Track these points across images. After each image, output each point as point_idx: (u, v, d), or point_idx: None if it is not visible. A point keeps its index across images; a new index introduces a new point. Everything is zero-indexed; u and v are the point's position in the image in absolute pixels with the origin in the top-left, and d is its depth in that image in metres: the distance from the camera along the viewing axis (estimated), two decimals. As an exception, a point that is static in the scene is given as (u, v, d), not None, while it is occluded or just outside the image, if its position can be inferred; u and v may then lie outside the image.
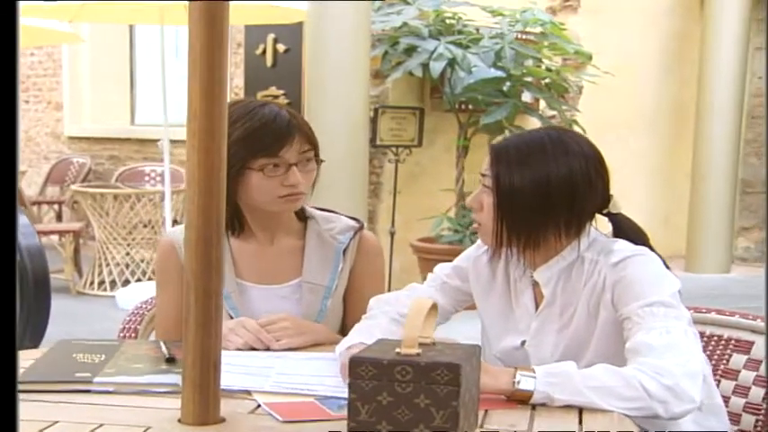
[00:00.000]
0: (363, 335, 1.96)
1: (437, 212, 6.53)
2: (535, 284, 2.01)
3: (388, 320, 2.07)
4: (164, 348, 1.92)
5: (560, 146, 1.92)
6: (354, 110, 5.70)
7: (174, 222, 7.19)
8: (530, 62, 6.68)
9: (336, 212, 2.38)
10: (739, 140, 8.33)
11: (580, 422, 1.60)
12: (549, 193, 1.88)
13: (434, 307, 1.51)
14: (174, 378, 1.74)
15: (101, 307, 6.63)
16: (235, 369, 1.82)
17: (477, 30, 6.54)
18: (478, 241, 2.16)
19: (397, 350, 1.43)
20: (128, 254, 7.33)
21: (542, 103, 7.16)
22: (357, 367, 1.42)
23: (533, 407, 1.65)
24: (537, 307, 2.01)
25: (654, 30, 8.61)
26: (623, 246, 1.92)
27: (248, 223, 2.25)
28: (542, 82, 6.75)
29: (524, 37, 6.73)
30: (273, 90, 8.03)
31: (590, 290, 1.91)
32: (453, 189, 6.73)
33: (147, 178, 8.32)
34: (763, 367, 2.15)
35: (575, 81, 7.08)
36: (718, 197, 8.19)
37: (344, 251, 2.27)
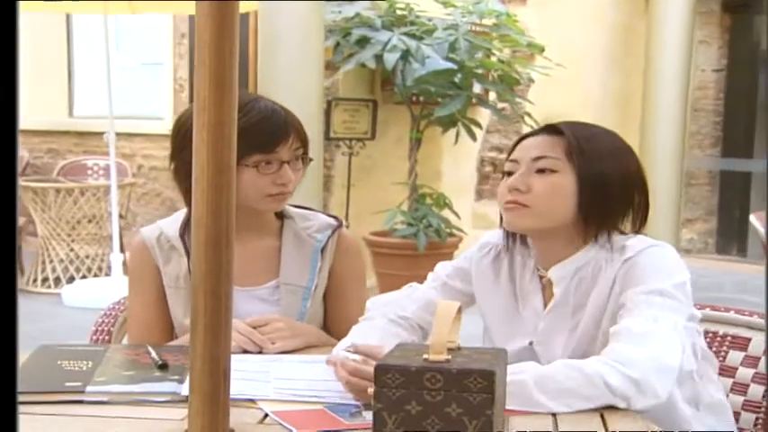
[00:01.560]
0: (362, 337, 1.88)
1: (389, 206, 6.46)
2: (545, 284, 1.95)
3: (387, 322, 1.99)
4: (153, 354, 1.82)
5: (624, 143, 1.92)
6: (308, 102, 5.59)
7: (120, 217, 7.01)
8: (479, 54, 6.63)
9: (313, 210, 2.30)
10: (684, 133, 8.38)
11: (604, 424, 1.54)
12: (626, 186, 1.88)
13: (460, 310, 1.43)
14: (171, 386, 1.65)
15: (46, 305, 6.44)
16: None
17: (431, 21, 6.47)
18: (479, 243, 2.08)
19: (425, 356, 1.35)
20: (72, 250, 7.13)
21: (492, 96, 7.11)
22: (383, 375, 1.34)
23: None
24: (545, 307, 1.94)
25: (600, 22, 8.62)
26: (637, 241, 1.86)
27: None
28: (494, 74, 6.70)
29: (476, 29, 6.68)
30: (220, 81, 7.88)
31: (602, 287, 1.85)
32: (405, 182, 6.65)
33: (89, 172, 8.10)
34: (761, 364, 2.12)
35: (524, 73, 7.04)
36: (664, 189, 8.22)
37: (323, 250, 2.19)
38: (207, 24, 1.39)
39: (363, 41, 6.24)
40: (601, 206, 1.85)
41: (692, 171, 8.78)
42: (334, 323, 2.18)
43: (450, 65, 6.36)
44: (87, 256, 7.17)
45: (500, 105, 7.02)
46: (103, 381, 1.66)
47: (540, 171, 1.86)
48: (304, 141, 2.10)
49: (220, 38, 1.40)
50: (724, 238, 9.02)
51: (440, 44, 6.15)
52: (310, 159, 2.14)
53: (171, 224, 2.18)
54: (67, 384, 1.63)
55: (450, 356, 1.35)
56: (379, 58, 6.13)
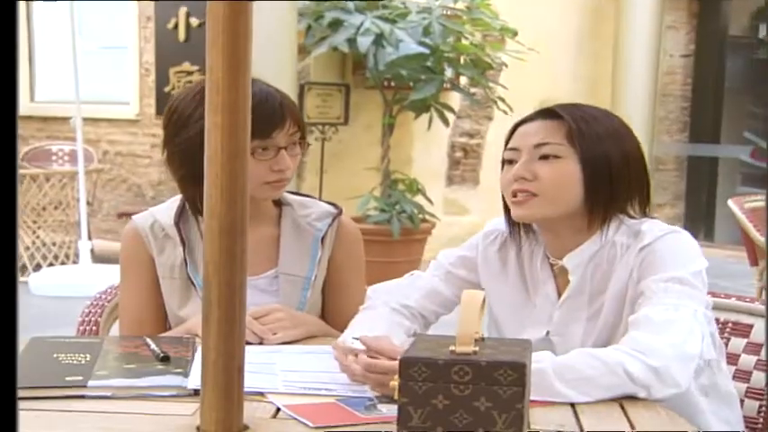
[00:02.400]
0: (365, 327, 1.83)
1: (361, 192, 6.40)
2: (556, 273, 1.90)
3: (390, 311, 1.94)
4: (153, 346, 1.75)
5: (621, 122, 1.87)
6: (281, 86, 5.43)
7: (88, 204, 6.90)
8: (451, 38, 6.58)
9: (311, 197, 2.24)
10: (653, 118, 8.40)
11: (626, 416, 1.50)
12: (629, 166, 1.82)
13: (483, 300, 1.38)
14: (176, 379, 1.59)
15: (12, 293, 6.29)
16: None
17: (404, 4, 6.41)
18: (483, 231, 2.04)
19: (451, 348, 1.30)
20: (38, 237, 7.00)
21: (462, 80, 7.07)
22: (409, 368, 1.29)
23: (572, 403, 1.55)
24: (559, 296, 1.89)
25: (569, 6, 8.61)
26: (653, 226, 1.82)
27: None
28: (467, 58, 6.66)
29: (448, 12, 6.63)
30: (187, 66, 7.79)
31: (620, 275, 1.81)
32: (377, 168, 6.60)
33: (54, 158, 7.97)
34: (763, 351, 2.09)
35: (495, 57, 7.00)
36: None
37: (323, 239, 2.13)
38: (221, 3, 1.33)
39: (336, 25, 6.17)
40: (607, 189, 1.81)
41: (660, 156, 8.80)
42: (333, 313, 2.12)
43: (422, 49, 6.31)
44: (54, 244, 7.05)
45: (472, 90, 6.98)
46: (105, 375, 1.59)
47: (544, 158, 1.81)
48: (300, 125, 2.04)
49: (235, 18, 1.34)
50: (692, 222, 9.06)
51: (414, 28, 6.10)
52: (308, 144, 2.08)
53: (164, 212, 2.11)
54: (68, 379, 1.56)
55: (477, 348, 1.30)
56: (351, 41, 6.07)
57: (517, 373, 1.26)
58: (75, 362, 1.66)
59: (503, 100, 6.40)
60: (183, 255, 2.04)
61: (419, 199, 6.55)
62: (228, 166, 1.35)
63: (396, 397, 1.31)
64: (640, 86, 8.21)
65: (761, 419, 2.06)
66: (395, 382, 1.33)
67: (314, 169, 6.61)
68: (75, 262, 6.95)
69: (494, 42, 6.98)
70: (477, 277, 1.99)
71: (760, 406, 2.07)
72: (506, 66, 6.57)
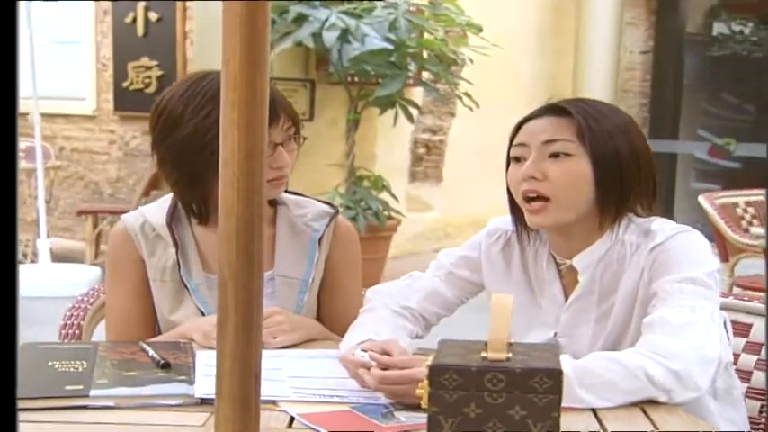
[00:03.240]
0: (367, 330, 1.77)
1: (326, 188, 6.33)
2: (563, 273, 1.86)
3: (391, 313, 1.89)
4: (152, 352, 1.68)
5: (627, 117, 1.82)
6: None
7: (45, 202, 6.75)
8: (414, 34, 6.53)
9: (305, 196, 2.17)
10: (614, 114, 8.41)
11: (650, 420, 1.47)
12: (640, 165, 1.77)
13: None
14: (182, 387, 1.52)
15: (-31, 293, 6.14)
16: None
17: (369, -2, 6.35)
18: (486, 229, 1.98)
19: (483, 354, 1.25)
20: (-6, 235, 6.82)
21: (424, 75, 7.02)
22: (439, 376, 1.23)
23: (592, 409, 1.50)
24: (566, 297, 1.85)
25: (530, 3, 8.61)
26: (663, 224, 1.78)
27: (216, 210, 2.00)
28: (431, 54, 6.61)
29: (412, 8, 6.58)
30: (146, 61, 7.66)
31: (630, 275, 1.77)
32: (342, 164, 6.53)
33: (9, 154, 7.77)
34: (763, 351, 2.07)
35: (459, 53, 6.96)
36: (594, 170, 8.27)
37: (320, 240, 2.06)
38: (239, -6, 1.26)
39: (300, 19, 6.09)
40: (618, 187, 1.76)
41: (620, 152, 8.83)
42: (329, 315, 2.06)
43: (386, 44, 6.26)
44: (11, 242, 6.88)
45: (435, 86, 6.94)
46: (106, 383, 1.52)
47: (554, 155, 1.76)
48: (295, 120, 1.98)
49: (254, 10, 1.27)
50: (651, 218, 9.09)
51: (380, 23, 6.04)
52: (304, 138, 2.01)
53: (156, 212, 2.03)
54: (68, 388, 1.49)
55: (510, 354, 1.25)
56: (316, 36, 5.99)
57: (553, 380, 1.21)
58: (71, 369, 1.58)
59: (468, 96, 6.36)
60: (176, 257, 1.97)
61: (384, 196, 6.50)
62: (246, 164, 1.28)
63: (424, 405, 1.26)
64: (601, 83, 8.24)
65: (762, 419, 2.04)
66: (421, 391, 1.27)
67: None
68: (33, 261, 6.80)
69: (456, 38, 6.94)
70: (481, 277, 1.94)
71: (761, 406, 2.05)
72: (471, 61, 6.53)
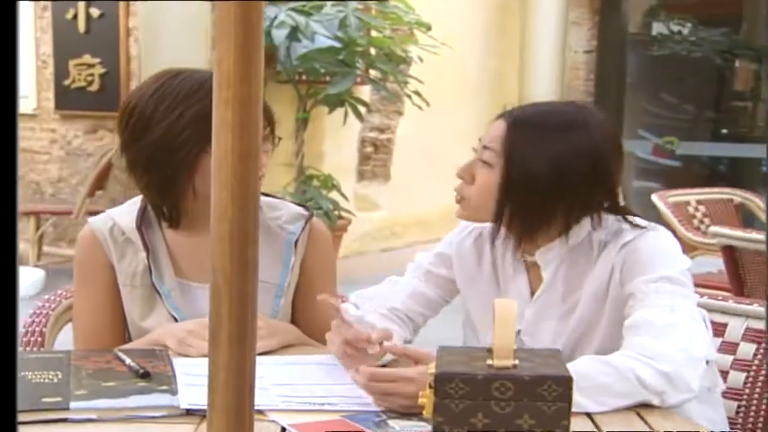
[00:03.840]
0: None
1: (274, 188, 6.25)
2: (529, 269, 1.83)
3: (378, 317, 1.86)
4: (128, 361, 1.62)
5: (582, 119, 1.75)
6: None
7: None
8: (361, 32, 6.49)
9: (278, 197, 2.12)
10: (559, 113, 8.45)
11: (646, 423, 1.44)
12: (569, 171, 1.70)
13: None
14: (165, 398, 1.46)
15: None
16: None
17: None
18: (461, 224, 1.97)
19: (489, 362, 1.21)
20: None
21: (371, 74, 6.98)
22: (445, 385, 1.20)
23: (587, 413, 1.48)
24: (532, 293, 1.83)
25: (475, 2, 8.60)
26: (632, 221, 1.77)
27: (188, 214, 1.94)
28: (380, 52, 6.57)
29: (361, 6, 6.53)
30: (88, 58, 7.50)
31: (598, 273, 1.75)
32: (291, 163, 6.46)
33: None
34: (740, 350, 2.07)
35: (408, 51, 6.93)
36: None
37: (295, 243, 2.01)
38: (233, -11, 1.21)
39: (249, 17, 5.99)
40: (528, 208, 1.74)
41: (565, 151, 8.88)
42: (305, 320, 2.00)
43: (333, 42, 6.21)
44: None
45: (383, 85, 6.91)
46: (85, 395, 1.45)
47: (485, 162, 1.77)
48: (270, 119, 1.93)
49: (247, 6, 1.21)
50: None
51: (329, 20, 5.98)
52: (279, 138, 1.96)
53: (124, 215, 1.96)
54: (46, 401, 1.42)
55: (516, 361, 1.21)
56: (265, 34, 5.91)
57: (562, 387, 1.19)
58: (46, 380, 1.51)
59: (418, 94, 6.34)
60: (147, 261, 1.90)
61: (334, 195, 6.45)
62: (240, 166, 1.22)
63: (426, 415, 1.22)
64: (547, 82, 8.28)
65: (739, 420, 2.04)
66: (424, 400, 1.24)
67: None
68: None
69: (404, 36, 6.91)
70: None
71: (738, 406, 2.04)
72: (421, 60, 6.50)
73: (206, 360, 1.69)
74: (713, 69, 11.17)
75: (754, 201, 4.93)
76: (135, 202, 1.98)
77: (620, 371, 1.51)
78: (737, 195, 4.89)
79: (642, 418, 1.47)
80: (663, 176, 9.98)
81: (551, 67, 8.28)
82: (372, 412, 1.45)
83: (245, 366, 1.26)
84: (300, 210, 2.05)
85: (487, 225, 1.90)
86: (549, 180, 1.70)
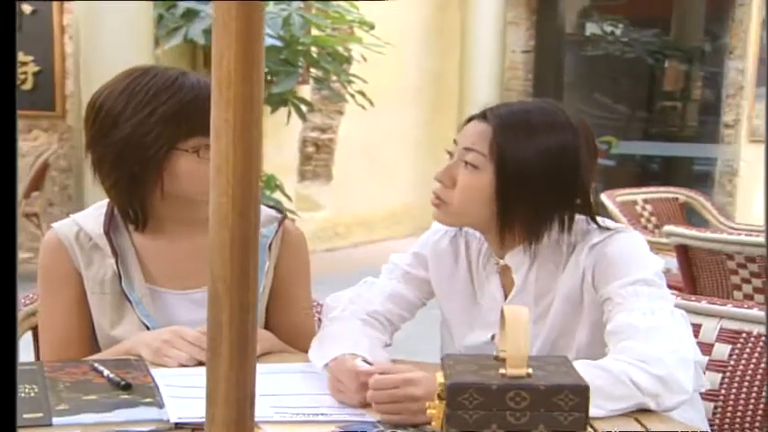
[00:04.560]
0: (346, 343, 1.68)
1: (216, 188, 6.15)
2: (502, 271, 1.81)
3: (361, 323, 1.82)
4: (107, 373, 1.55)
5: (564, 118, 1.73)
6: (137, 79, 5.22)
7: None
8: (303, 30, 6.42)
9: None
10: (499, 113, 8.47)
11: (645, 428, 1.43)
12: (557, 169, 1.69)
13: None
14: (152, 412, 1.40)
15: None
16: (195, 393, 1.49)
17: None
18: (434, 225, 1.93)
19: (502, 371, 1.18)
20: None
21: (312, 73, 6.91)
22: (459, 395, 1.16)
23: (586, 419, 1.45)
24: (506, 296, 1.81)
25: (415, 1, 8.59)
26: (600, 223, 1.76)
27: (156, 217, 1.88)
28: (322, 51, 6.51)
29: (303, 5, 6.46)
30: (20, 56, 7.30)
31: (569, 275, 1.74)
32: (233, 163, 6.36)
33: None
34: (715, 350, 2.07)
35: (349, 50, 6.88)
36: (481, 168, 8.30)
37: (269, 246, 1.95)
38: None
39: (190, 14, 5.90)
40: (523, 209, 1.71)
41: (504, 151, 8.91)
42: (279, 327, 1.93)
43: (275, 41, 6.14)
44: None
45: (324, 84, 6.85)
46: (67, 410, 1.38)
47: (466, 164, 1.73)
48: None
49: (248, 3, 1.16)
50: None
51: (272, 19, 5.90)
52: None
53: (90, 219, 1.88)
54: (27, 417, 1.35)
55: (530, 370, 1.18)
56: (209, 32, 5.81)
57: (579, 397, 1.15)
58: (23, 394, 1.44)
59: (362, 94, 6.29)
60: (116, 267, 1.83)
61: (277, 195, 6.37)
62: (241, 169, 1.17)
63: (435, 427, 1.18)
64: (486, 81, 8.29)
65: (716, 420, 2.03)
66: (432, 411, 1.20)
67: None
68: None
69: (345, 35, 6.87)
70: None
71: (715, 407, 2.04)
72: (365, 59, 6.46)
73: (187, 370, 1.65)
74: (645, 70, 11.33)
75: (698, 200, 4.99)
76: (101, 207, 1.91)
77: (614, 374, 1.49)
78: (682, 194, 4.95)
79: (641, 424, 1.45)
80: (598, 175, 10.07)
81: (491, 67, 8.30)
82: (369, 422, 1.41)
83: (247, 378, 1.21)
84: (272, 212, 2.00)
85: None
86: (540, 178, 1.68)
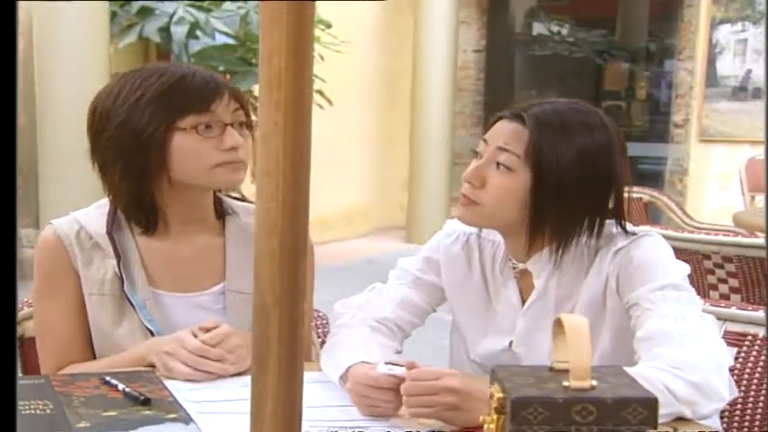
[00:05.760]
0: (358, 352, 1.63)
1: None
2: (520, 276, 1.76)
3: (370, 330, 1.77)
4: (122, 386, 1.47)
5: (597, 118, 1.69)
6: (93, 79, 5.09)
7: None
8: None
9: (253, 202, 1.99)
10: (452, 113, 8.47)
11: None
12: (593, 170, 1.65)
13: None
14: (178, 428, 1.33)
15: None
16: (219, 408, 1.43)
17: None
18: (446, 228, 1.88)
19: (565, 384, 1.13)
20: None
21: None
22: (523, 410, 1.10)
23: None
24: (522, 302, 1.76)
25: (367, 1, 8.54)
26: (623, 227, 1.72)
27: (164, 211, 1.82)
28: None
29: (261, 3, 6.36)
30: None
31: (592, 280, 1.70)
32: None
33: None
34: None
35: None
36: (434, 168, 8.30)
37: None
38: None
39: (145, 12, 5.79)
40: (557, 211, 1.67)
41: (457, 151, 8.88)
42: None
43: (227, 39, 6.05)
44: None
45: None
46: (89, 428, 1.31)
47: (499, 165, 1.67)
48: (243, 104, 1.80)
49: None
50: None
51: (230, 17, 5.81)
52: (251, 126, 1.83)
53: (92, 218, 1.81)
54: (49, 437, 1.27)
55: (595, 382, 1.13)
56: (164, 30, 5.71)
57: (648, 410, 1.11)
58: (38, 412, 1.36)
59: (321, 93, 6.23)
60: (117, 268, 1.76)
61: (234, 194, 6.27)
62: (292, 174, 1.10)
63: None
64: (439, 81, 8.26)
65: (723, 425, 2.01)
66: (492, 426, 1.14)
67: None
68: None
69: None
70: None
71: (722, 411, 2.02)
72: (322, 58, 6.39)
73: (204, 385, 1.58)
74: (592, 69, 11.44)
75: (662, 199, 5.01)
76: (103, 205, 1.83)
77: (650, 381, 1.44)
78: (646, 194, 4.95)
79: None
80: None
81: (443, 67, 8.27)
82: (404, 433, 1.36)
83: (296, 395, 1.14)
84: None
85: (475, 230, 1.83)
86: (577, 180, 1.64)
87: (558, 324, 1.20)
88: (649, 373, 1.46)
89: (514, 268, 1.77)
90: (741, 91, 8.08)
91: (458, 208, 1.74)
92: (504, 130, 1.69)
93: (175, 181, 1.76)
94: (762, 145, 7.83)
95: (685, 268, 1.68)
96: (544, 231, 1.69)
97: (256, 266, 1.13)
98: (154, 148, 1.72)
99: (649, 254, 1.66)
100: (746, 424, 2.01)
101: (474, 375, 1.60)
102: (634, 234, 1.70)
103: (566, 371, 1.17)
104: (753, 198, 6.91)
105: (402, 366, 1.48)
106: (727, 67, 8.13)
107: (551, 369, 1.19)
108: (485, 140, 1.72)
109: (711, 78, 8.18)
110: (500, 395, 1.14)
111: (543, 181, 1.63)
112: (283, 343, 1.12)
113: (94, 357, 1.78)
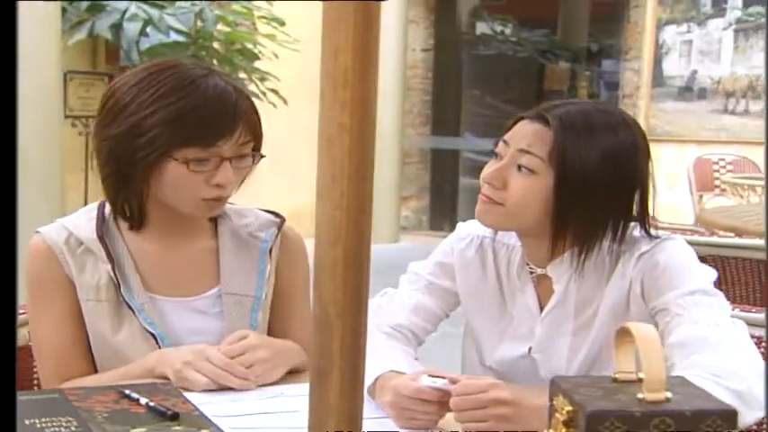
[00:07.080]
0: (386, 361, 1.58)
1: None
2: (538, 281, 1.72)
3: (387, 338, 1.73)
4: (144, 401, 1.40)
5: (621, 118, 1.66)
6: (45, 75, 4.96)
7: None
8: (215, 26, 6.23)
9: (245, 206, 1.93)
10: (402, 112, 8.44)
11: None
12: (618, 171, 1.60)
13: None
14: (215, 446, 1.26)
15: None
16: (251, 423, 1.36)
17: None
18: (456, 234, 1.83)
19: (639, 396, 1.08)
20: None
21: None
22: (598, 424, 1.06)
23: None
24: (541, 308, 1.72)
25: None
26: (645, 231, 1.67)
27: (149, 217, 1.75)
28: (230, 47, 6.33)
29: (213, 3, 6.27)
30: None
31: (616, 285, 1.66)
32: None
33: None
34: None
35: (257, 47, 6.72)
36: (385, 168, 8.24)
37: (269, 251, 1.83)
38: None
39: (95, 8, 5.65)
40: (581, 214, 1.62)
41: (406, 149, 8.86)
42: (281, 336, 1.81)
43: (178, 37, 5.95)
44: None
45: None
46: (121, 447, 1.23)
47: (521, 167, 1.62)
48: (256, 134, 1.71)
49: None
50: (436, 214, 9.22)
51: (184, 14, 5.70)
52: (262, 156, 1.75)
53: (80, 223, 1.74)
54: (83, 457, 1.19)
55: (669, 394, 1.09)
56: (116, 27, 5.58)
57: (728, 422, 1.07)
58: (63, 429, 1.28)
59: (275, 92, 6.14)
60: (112, 273, 1.69)
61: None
62: (357, 179, 1.04)
63: (565, 457, 1.09)
64: (389, 80, 8.23)
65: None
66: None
67: (78, 167, 6.00)
68: None
69: (250, 32, 6.70)
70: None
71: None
72: (277, 57, 6.32)
73: (226, 397, 1.51)
74: (536, 69, 11.50)
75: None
76: (90, 210, 1.77)
77: None
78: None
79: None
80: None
81: (393, 65, 8.23)
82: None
83: (358, 410, 1.08)
84: (270, 217, 1.88)
85: (489, 234, 1.79)
86: (602, 183, 1.59)
87: (624, 333, 1.16)
88: (689, 381, 1.43)
89: (532, 273, 1.73)
90: (687, 91, 8.18)
91: (477, 208, 1.67)
92: (527, 132, 1.63)
93: (152, 197, 1.71)
94: (708, 145, 7.95)
95: (712, 273, 1.65)
96: (566, 235, 1.65)
97: (317, 276, 1.07)
98: (140, 168, 1.64)
99: (674, 258, 1.62)
100: (754, 428, 1.99)
101: (520, 385, 1.55)
102: (657, 237, 1.67)
103: (631, 382, 1.13)
104: (701, 197, 6.99)
105: (444, 378, 1.43)
106: (673, 67, 8.23)
107: (615, 380, 1.15)
108: (505, 141, 1.66)
109: (658, 78, 8.27)
110: (569, 408, 1.10)
111: (567, 183, 1.59)
112: (346, 357, 1.06)
113: (94, 366, 1.71)
